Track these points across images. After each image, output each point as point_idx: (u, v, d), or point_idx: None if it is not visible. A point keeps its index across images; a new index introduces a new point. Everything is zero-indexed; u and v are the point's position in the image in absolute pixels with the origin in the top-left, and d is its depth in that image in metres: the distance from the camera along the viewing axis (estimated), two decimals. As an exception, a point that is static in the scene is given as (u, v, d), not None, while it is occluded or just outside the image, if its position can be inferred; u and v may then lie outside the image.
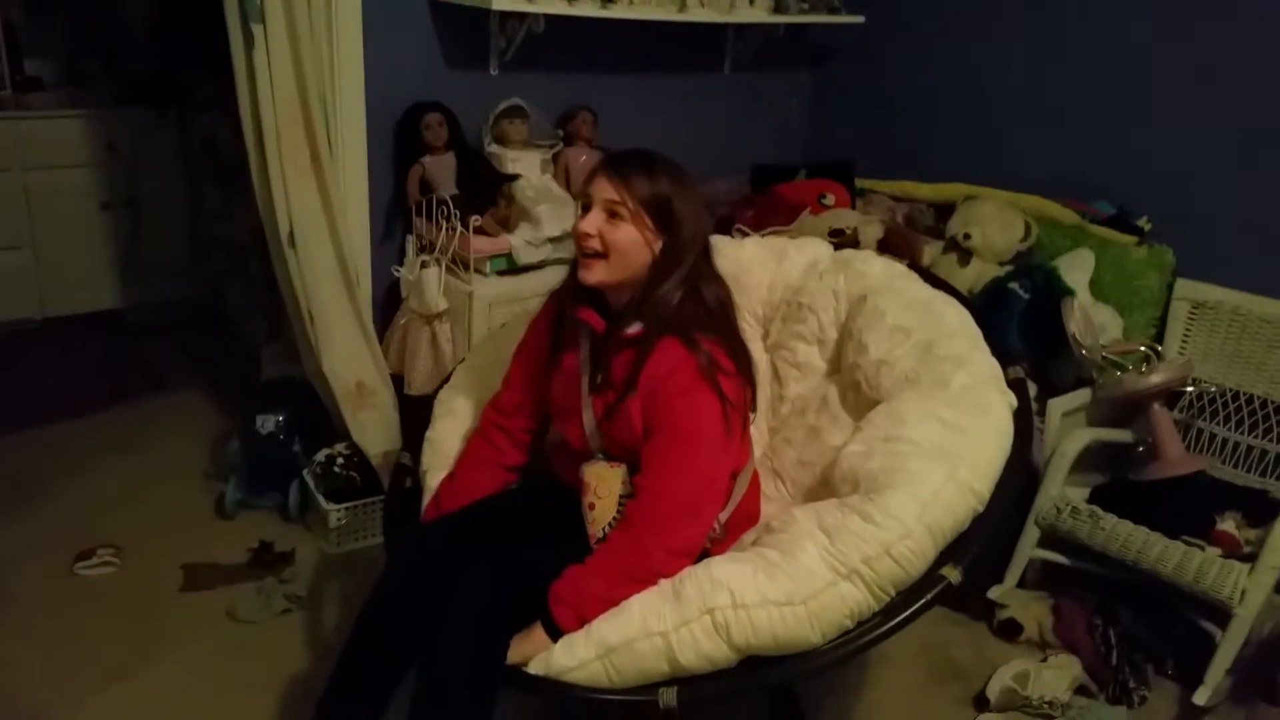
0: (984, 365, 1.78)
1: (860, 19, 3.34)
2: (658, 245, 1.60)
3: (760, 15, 3.15)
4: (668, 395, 1.57)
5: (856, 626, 1.48)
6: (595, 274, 1.61)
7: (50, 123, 3.67)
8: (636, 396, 1.59)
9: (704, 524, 1.60)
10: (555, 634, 1.53)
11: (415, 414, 2.13)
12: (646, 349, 1.58)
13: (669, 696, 1.45)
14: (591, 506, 1.62)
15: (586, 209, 1.62)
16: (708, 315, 1.63)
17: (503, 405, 1.86)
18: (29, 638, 2.22)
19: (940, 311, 1.90)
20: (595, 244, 1.59)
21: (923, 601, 1.49)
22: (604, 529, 1.62)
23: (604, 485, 1.64)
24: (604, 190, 1.59)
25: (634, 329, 1.60)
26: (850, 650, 1.48)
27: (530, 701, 1.79)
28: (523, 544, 1.66)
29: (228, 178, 3.50)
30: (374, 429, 2.69)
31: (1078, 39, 2.91)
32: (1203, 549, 2.23)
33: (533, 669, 1.51)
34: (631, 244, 1.59)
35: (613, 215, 1.58)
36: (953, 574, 1.51)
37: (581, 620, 1.52)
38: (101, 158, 3.77)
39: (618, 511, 1.62)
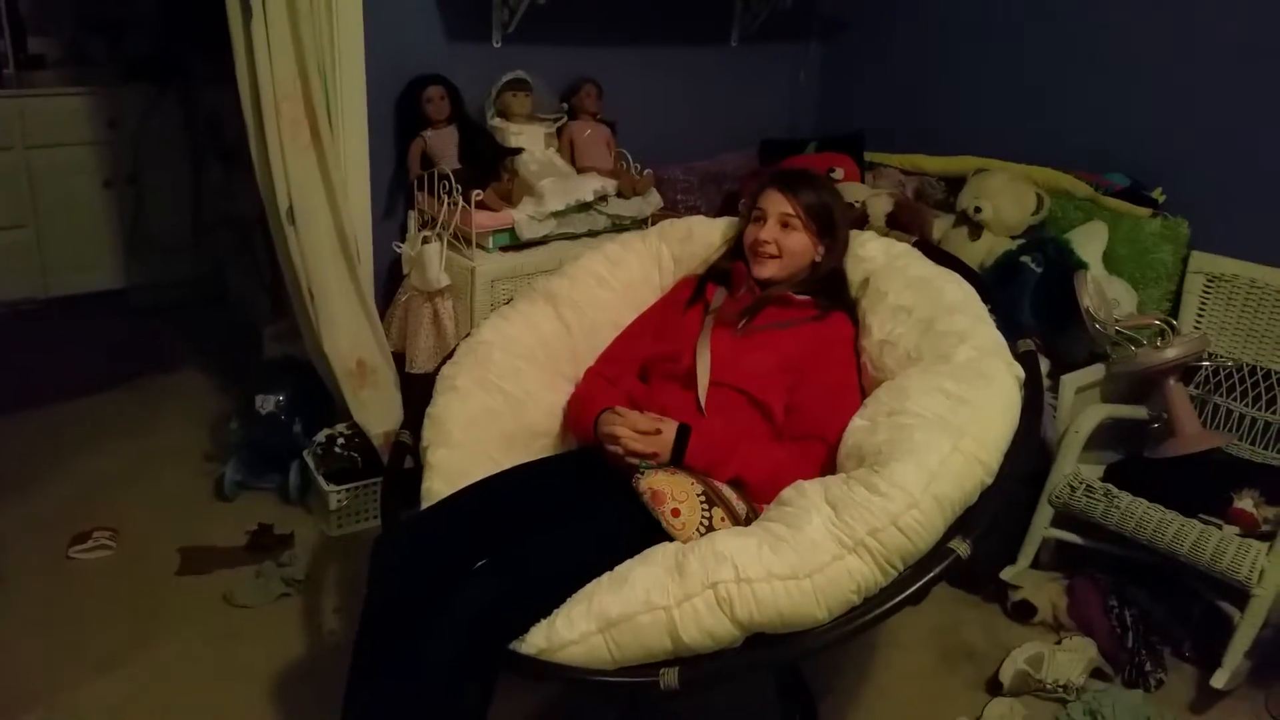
0: (987, 337, 1.75)
1: (870, -10, 3.28)
2: (820, 249, 1.96)
3: (768, -15, 3.09)
4: (842, 353, 1.91)
5: (863, 602, 1.45)
6: (769, 269, 1.95)
7: (53, 100, 3.64)
8: (794, 343, 1.86)
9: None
10: (678, 458, 1.69)
11: (417, 392, 2.10)
12: (821, 315, 1.93)
13: (670, 677, 1.41)
14: (676, 513, 1.59)
15: (759, 220, 1.96)
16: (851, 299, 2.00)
17: (611, 359, 2.05)
18: (23, 622, 2.20)
19: (941, 288, 1.88)
20: (772, 249, 1.94)
21: (931, 575, 1.45)
22: (697, 530, 1.58)
23: (678, 489, 1.62)
24: (778, 204, 1.94)
25: (803, 298, 1.95)
26: (857, 626, 1.44)
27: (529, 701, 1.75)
28: (530, 537, 1.59)
29: (230, 155, 3.48)
30: (375, 408, 2.66)
31: (1090, 6, 2.84)
32: (1220, 528, 2.18)
33: (531, 643, 1.47)
34: (801, 248, 1.95)
35: (785, 225, 1.93)
36: (961, 547, 1.47)
37: (710, 463, 1.69)
38: (104, 135, 3.75)
39: (703, 511, 1.60)
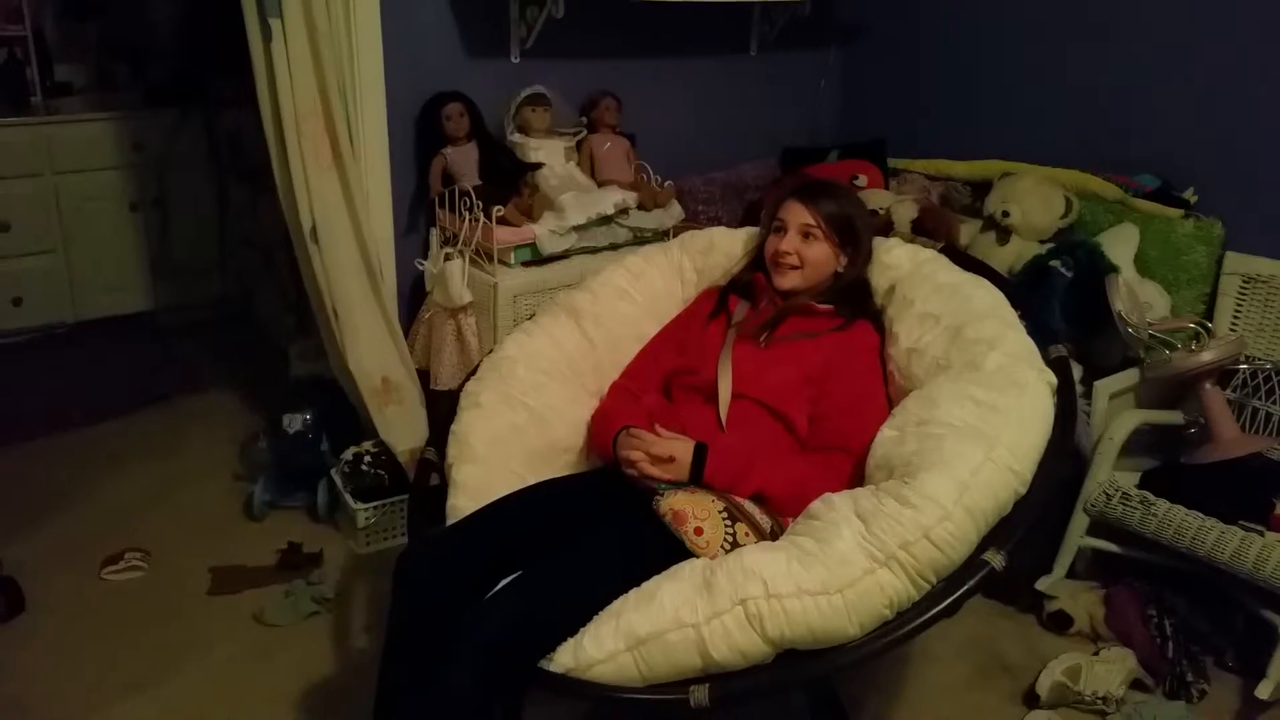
0: (1017, 344, 1.73)
1: (889, -6, 3.26)
2: (843, 259, 1.95)
3: (786, -7, 3.08)
4: (867, 362, 1.88)
5: (896, 616, 1.42)
6: (790, 280, 1.94)
7: (79, 126, 3.70)
8: (817, 353, 1.84)
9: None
10: (697, 477, 1.67)
11: (442, 409, 2.09)
12: (845, 324, 1.90)
13: (700, 695, 1.39)
14: (699, 531, 1.57)
15: (780, 230, 1.94)
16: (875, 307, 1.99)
17: (634, 373, 2.04)
18: (56, 644, 2.21)
19: (969, 294, 1.86)
20: (794, 260, 1.92)
21: (965, 588, 1.43)
22: (721, 547, 1.56)
23: (699, 508, 1.60)
24: (799, 215, 1.93)
25: (825, 307, 1.93)
26: (890, 641, 1.41)
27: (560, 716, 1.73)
28: (554, 554, 1.58)
29: (253, 175, 3.50)
30: (401, 425, 2.66)
31: (1115, 6, 2.80)
32: (1262, 534, 2.13)
33: (559, 663, 1.45)
34: (823, 258, 1.94)
35: (807, 235, 1.91)
36: (995, 559, 1.45)
37: (729, 481, 1.67)
38: (129, 159, 3.80)
39: (726, 528, 1.58)
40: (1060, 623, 2.34)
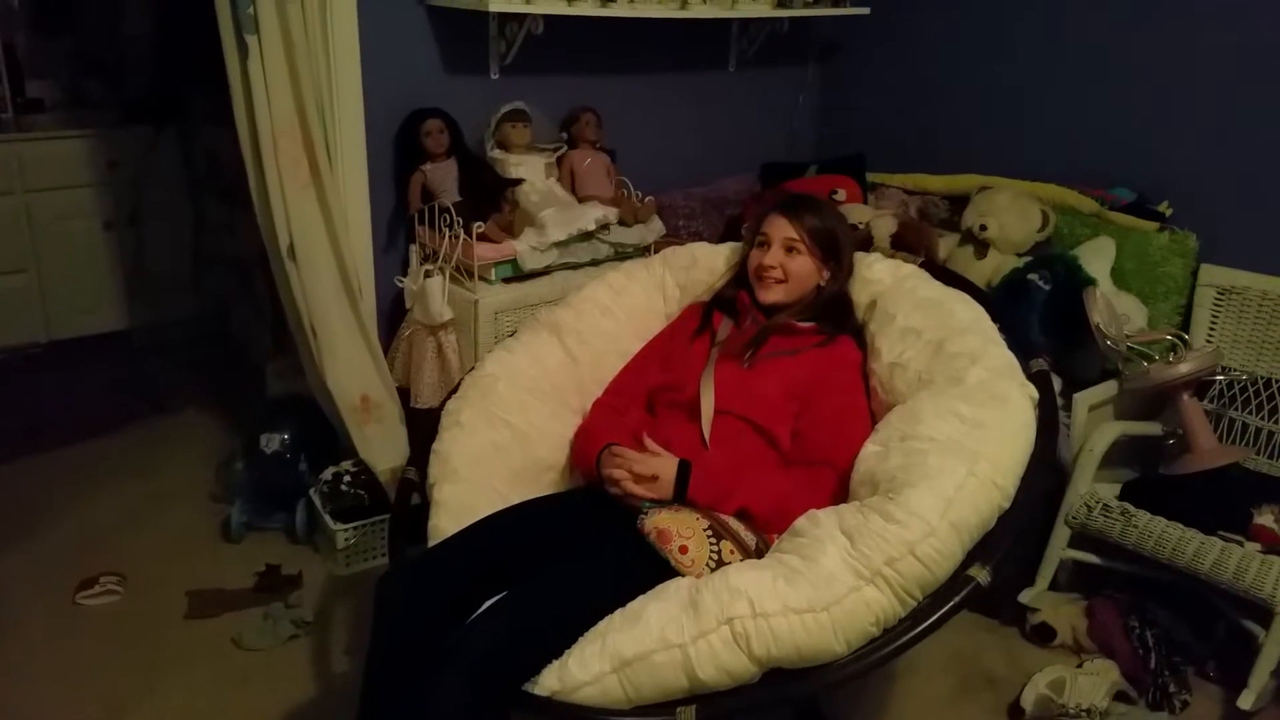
0: (999, 358, 1.74)
1: (865, 10, 3.28)
2: (825, 273, 1.96)
3: (764, 9, 3.10)
4: (849, 378, 1.89)
5: (882, 633, 1.42)
6: (774, 294, 1.94)
7: (51, 144, 3.65)
8: (800, 370, 1.84)
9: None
10: (681, 495, 1.66)
11: (423, 427, 2.08)
12: (827, 341, 1.90)
13: (687, 715, 1.38)
14: (684, 550, 1.56)
15: (763, 245, 1.95)
16: (857, 322, 1.99)
17: (618, 389, 2.03)
18: (29, 671, 2.16)
19: (950, 309, 1.87)
20: (778, 274, 1.93)
21: (951, 604, 1.43)
22: (707, 565, 1.56)
23: (683, 526, 1.60)
24: (783, 229, 1.94)
25: (807, 325, 1.92)
26: (877, 659, 1.41)
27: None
28: (537, 575, 1.56)
29: (230, 193, 3.46)
30: (381, 444, 2.64)
31: (1088, 21, 2.83)
32: (1241, 545, 2.15)
33: (544, 685, 1.44)
34: (806, 272, 1.95)
35: (790, 250, 1.92)
36: (981, 574, 1.46)
37: (713, 498, 1.66)
38: (103, 177, 3.75)
39: (711, 546, 1.57)
40: (1043, 635, 2.35)
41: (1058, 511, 2.36)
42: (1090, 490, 2.34)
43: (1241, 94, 2.55)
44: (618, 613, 1.48)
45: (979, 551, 1.48)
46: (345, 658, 2.25)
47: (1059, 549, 2.38)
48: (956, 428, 1.58)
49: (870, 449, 1.65)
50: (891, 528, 1.43)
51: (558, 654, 1.45)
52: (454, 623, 1.50)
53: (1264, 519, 2.23)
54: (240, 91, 2.27)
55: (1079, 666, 2.22)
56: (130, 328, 3.96)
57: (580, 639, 1.46)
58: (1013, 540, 1.52)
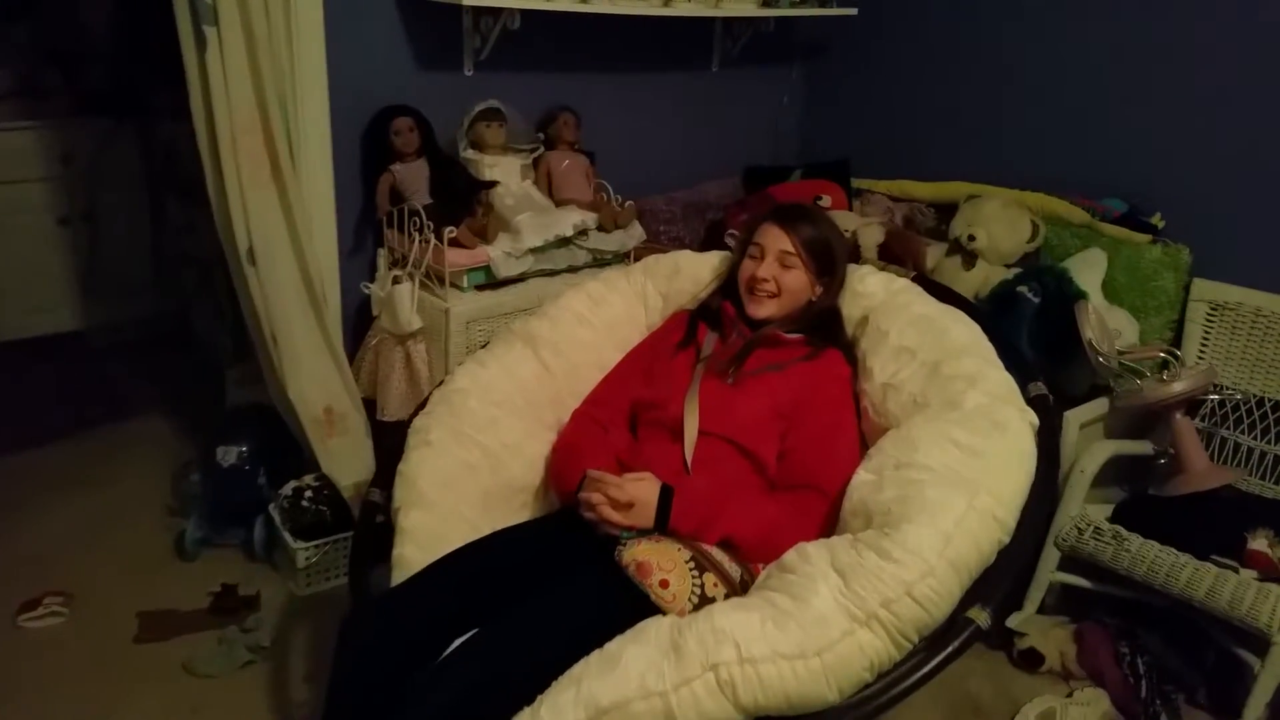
0: (998, 382, 1.67)
1: (853, 11, 3.22)
2: (818, 288, 1.89)
3: (749, 8, 3.02)
4: (837, 392, 1.81)
5: (877, 679, 1.34)
6: (766, 309, 1.87)
7: (3, 135, 3.49)
8: (786, 386, 1.76)
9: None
10: (663, 523, 1.57)
11: (389, 441, 1.99)
12: (814, 354, 1.82)
13: (668, 767, 1.29)
14: (665, 584, 1.48)
15: (756, 256, 1.87)
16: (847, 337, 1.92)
17: (599, 399, 1.94)
18: (-34, 698, 2.04)
19: (946, 328, 1.80)
20: (771, 288, 1.85)
21: (950, 649, 1.37)
22: (689, 599, 1.47)
23: (664, 558, 1.51)
24: (778, 241, 1.85)
25: (794, 337, 1.85)
26: (872, 708, 1.33)
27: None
28: (509, 614, 1.47)
29: (191, 190, 3.33)
30: (345, 458, 2.54)
31: (1080, 27, 2.77)
32: (1236, 571, 2.09)
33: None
34: (800, 286, 1.87)
35: (784, 262, 1.85)
36: (980, 617, 1.39)
37: (696, 527, 1.57)
38: (58, 171, 3.60)
39: (694, 579, 1.49)
40: (1031, 661, 2.28)
41: (1047, 533, 2.29)
42: (1081, 512, 2.27)
43: (1235, 106, 2.50)
44: (594, 655, 1.38)
45: (977, 590, 1.41)
46: (304, 685, 2.15)
47: (1048, 572, 2.31)
48: (954, 456, 1.51)
49: (863, 477, 1.57)
50: (888, 566, 1.35)
51: (530, 699, 1.35)
52: (422, 662, 1.40)
53: (1258, 543, 2.17)
54: (198, 86, 2.16)
55: (1069, 696, 2.17)
56: (84, 328, 3.82)
57: (554, 684, 1.36)
58: (1012, 578, 1.45)
